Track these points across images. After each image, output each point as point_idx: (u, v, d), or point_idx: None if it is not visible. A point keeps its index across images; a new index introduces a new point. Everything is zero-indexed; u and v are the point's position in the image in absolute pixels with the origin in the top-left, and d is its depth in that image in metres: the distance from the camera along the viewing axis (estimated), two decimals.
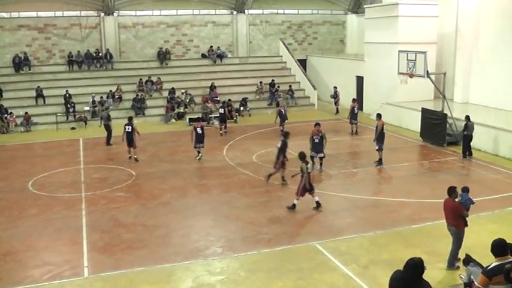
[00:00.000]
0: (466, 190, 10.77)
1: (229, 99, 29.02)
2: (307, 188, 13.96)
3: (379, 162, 18.75)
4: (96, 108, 28.55)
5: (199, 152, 19.95)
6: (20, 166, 19.57)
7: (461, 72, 26.26)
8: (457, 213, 10.27)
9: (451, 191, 10.39)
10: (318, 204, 14.12)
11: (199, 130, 19.75)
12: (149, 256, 11.33)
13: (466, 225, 10.39)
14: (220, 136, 24.81)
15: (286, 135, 17.14)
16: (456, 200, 10.42)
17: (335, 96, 30.91)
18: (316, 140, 17.68)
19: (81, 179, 17.75)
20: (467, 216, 10.46)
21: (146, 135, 23.13)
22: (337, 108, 30.63)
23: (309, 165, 14.11)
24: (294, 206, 14.02)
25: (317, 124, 17.96)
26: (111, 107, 28.58)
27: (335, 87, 31.23)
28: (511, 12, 23.48)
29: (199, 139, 19.77)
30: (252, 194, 15.61)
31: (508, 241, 7.14)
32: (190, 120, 27.99)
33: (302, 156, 14.18)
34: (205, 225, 13.35)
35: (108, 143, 22.85)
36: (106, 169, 19.01)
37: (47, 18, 31.95)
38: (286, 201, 14.95)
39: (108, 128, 22.97)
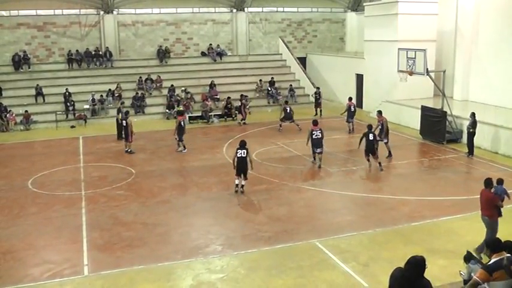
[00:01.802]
0: (501, 182, 11.09)
1: (229, 97, 29.02)
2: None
3: (389, 154, 19.52)
4: (96, 107, 28.56)
5: (184, 146, 20.90)
6: (20, 164, 19.56)
7: (461, 70, 26.25)
8: (492, 204, 10.56)
9: (488, 182, 10.71)
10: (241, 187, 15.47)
11: (183, 124, 20.82)
12: (149, 254, 11.34)
13: (500, 215, 10.68)
14: (239, 126, 26.34)
15: (370, 127, 18.18)
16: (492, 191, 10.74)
17: (317, 97, 28.69)
18: (318, 136, 18.17)
19: (80, 177, 17.75)
20: (502, 206, 10.77)
21: (146, 133, 23.15)
22: (320, 111, 28.19)
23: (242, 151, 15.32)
24: (238, 186, 15.46)
25: (315, 121, 18.72)
26: (111, 105, 28.62)
27: (318, 88, 29.64)
28: (511, 10, 23.47)
29: (183, 131, 20.82)
30: (252, 192, 15.60)
31: (505, 239, 7.22)
32: (190, 118, 28.05)
33: (244, 143, 15.55)
34: (205, 223, 13.35)
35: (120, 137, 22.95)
36: (106, 167, 19.01)
37: (47, 17, 31.89)
38: (286, 199, 15.01)
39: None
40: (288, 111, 25.00)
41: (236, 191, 15.43)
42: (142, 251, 11.56)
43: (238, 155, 15.27)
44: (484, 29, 25.08)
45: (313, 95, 29.29)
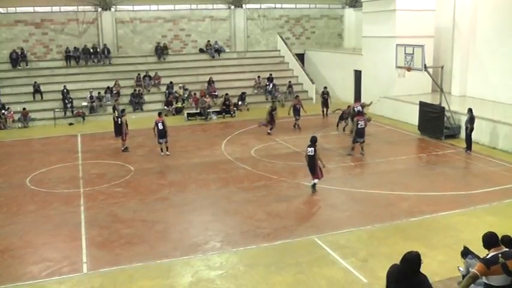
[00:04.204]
0: None
1: (227, 94, 28.99)
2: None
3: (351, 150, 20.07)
4: (94, 104, 28.52)
5: (166, 148, 19.92)
6: (18, 162, 19.52)
7: (459, 65, 26.22)
8: None
9: None
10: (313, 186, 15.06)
11: (160, 126, 19.64)
12: (148, 251, 11.34)
13: None
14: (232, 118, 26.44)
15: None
16: None
17: (326, 97, 27.26)
18: (363, 125, 19.27)
19: (79, 174, 17.73)
20: None
21: (144, 130, 23.09)
22: (326, 111, 27.16)
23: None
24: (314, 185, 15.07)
25: (360, 112, 20.61)
26: (109, 102, 28.62)
27: (325, 87, 28.34)
28: (508, 5, 23.45)
29: (162, 134, 19.70)
30: (251, 189, 15.62)
31: (504, 234, 7.23)
32: (189, 115, 28.03)
33: (314, 140, 14.88)
34: (204, 220, 13.36)
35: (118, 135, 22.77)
36: (104, 164, 18.98)
37: (44, 14, 31.80)
38: (285, 195, 15.02)
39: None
40: (298, 108, 24.66)
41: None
42: (141, 248, 11.55)
43: (307, 153, 14.83)
44: (481, 25, 25.05)
45: (321, 95, 28.10)
